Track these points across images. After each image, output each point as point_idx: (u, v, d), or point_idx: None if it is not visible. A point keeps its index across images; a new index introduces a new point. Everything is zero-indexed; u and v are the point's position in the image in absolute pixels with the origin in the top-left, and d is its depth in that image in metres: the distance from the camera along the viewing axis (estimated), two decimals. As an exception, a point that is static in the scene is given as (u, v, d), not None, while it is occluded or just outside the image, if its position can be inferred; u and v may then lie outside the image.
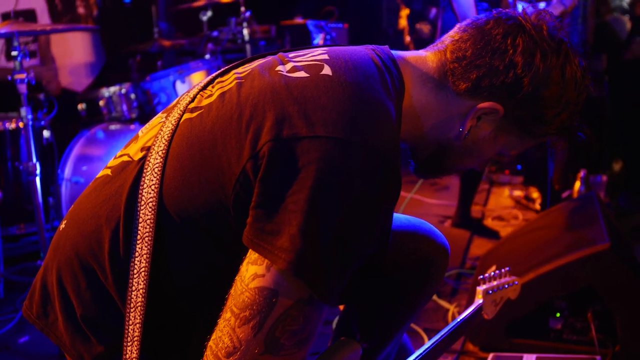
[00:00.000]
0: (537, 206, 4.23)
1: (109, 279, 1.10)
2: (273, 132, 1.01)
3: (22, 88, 2.72)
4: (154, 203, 1.08)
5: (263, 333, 0.97)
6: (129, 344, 1.07)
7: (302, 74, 1.11)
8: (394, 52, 1.24)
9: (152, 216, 1.07)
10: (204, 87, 1.22)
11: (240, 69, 1.22)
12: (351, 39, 5.62)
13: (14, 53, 2.70)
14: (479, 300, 1.69)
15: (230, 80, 1.18)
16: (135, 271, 1.07)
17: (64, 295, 1.15)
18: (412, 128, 1.21)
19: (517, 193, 4.69)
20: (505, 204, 4.50)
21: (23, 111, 2.75)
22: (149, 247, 1.06)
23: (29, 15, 3.79)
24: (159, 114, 1.27)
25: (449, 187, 4.99)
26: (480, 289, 1.70)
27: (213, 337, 1.01)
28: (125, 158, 1.20)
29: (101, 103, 3.68)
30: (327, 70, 1.10)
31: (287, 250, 0.96)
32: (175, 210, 1.08)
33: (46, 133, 3.28)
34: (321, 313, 1.02)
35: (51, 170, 3.30)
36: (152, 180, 1.10)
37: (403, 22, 6.18)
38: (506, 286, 1.77)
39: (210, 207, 1.05)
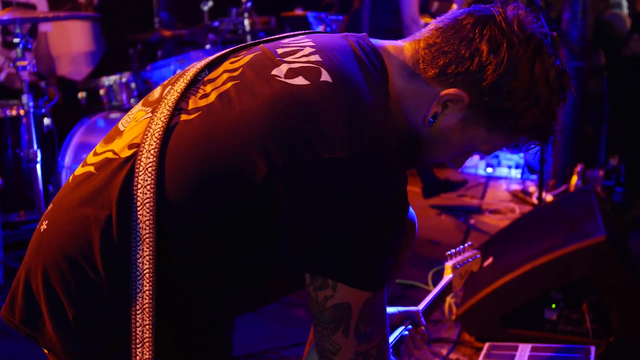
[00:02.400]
0: (534, 200, 4.25)
1: (102, 280, 1.09)
2: (293, 153, 1.06)
3: (24, 75, 2.72)
4: (151, 204, 1.07)
5: (352, 333, 1.13)
6: (138, 346, 1.06)
7: (301, 80, 1.12)
8: (373, 41, 1.25)
9: (151, 217, 1.06)
10: (193, 84, 1.20)
11: (228, 66, 1.20)
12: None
13: (16, 40, 2.71)
14: (449, 275, 1.80)
15: (223, 80, 1.17)
16: (138, 273, 1.06)
17: (54, 298, 1.12)
18: (396, 119, 1.22)
19: (515, 187, 4.72)
20: (502, 198, 4.53)
21: (24, 98, 2.76)
22: (150, 248, 1.06)
23: (29, 8, 3.77)
24: (140, 107, 1.24)
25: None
26: (448, 264, 1.81)
27: (316, 342, 1.17)
28: (109, 155, 1.17)
29: (101, 92, 3.69)
30: (325, 76, 1.12)
31: (340, 269, 1.09)
32: (179, 212, 1.08)
33: (47, 121, 3.29)
34: (384, 296, 1.16)
35: (51, 158, 3.31)
36: (147, 181, 1.08)
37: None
38: (470, 260, 1.87)
39: (223, 213, 1.08)
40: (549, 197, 3.98)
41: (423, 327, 1.62)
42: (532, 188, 4.53)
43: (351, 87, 1.11)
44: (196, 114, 1.13)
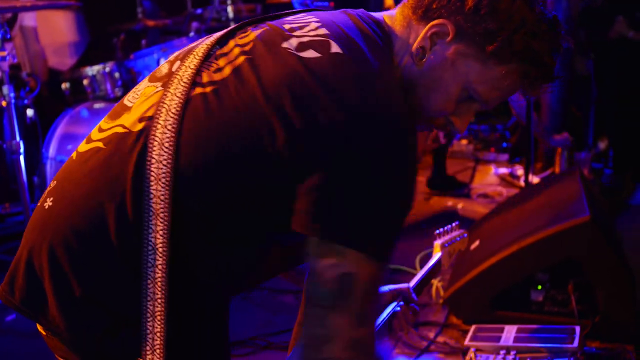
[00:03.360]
0: (522, 183, 4.26)
1: (114, 256, 1.08)
2: (311, 118, 1.06)
3: (4, 66, 2.69)
4: (167, 178, 1.06)
5: (353, 313, 1.06)
6: (149, 319, 1.06)
7: (312, 53, 1.13)
8: (372, 14, 1.27)
9: (166, 192, 1.05)
10: (206, 59, 1.19)
11: (238, 41, 1.20)
12: (337, 17, 5.57)
13: (-5, 30, 2.68)
14: (438, 253, 1.84)
15: (235, 53, 1.17)
16: (150, 247, 1.06)
17: (60, 275, 1.10)
18: None
19: (503, 170, 4.73)
20: (490, 182, 4.54)
21: (5, 89, 2.73)
22: (164, 222, 1.05)
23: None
24: (148, 83, 1.22)
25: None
26: (438, 242, 1.85)
27: (305, 331, 1.12)
28: (119, 129, 1.15)
29: (85, 82, 3.66)
30: (336, 48, 1.13)
31: (350, 231, 1.05)
32: (196, 186, 1.07)
33: (30, 112, 3.25)
34: (385, 276, 1.13)
35: (35, 149, 3.28)
36: (163, 155, 1.07)
37: (389, 2, 6.16)
38: (457, 239, 1.91)
39: (243, 184, 1.08)
40: (536, 180, 3.99)
41: (414, 303, 1.65)
42: (520, 171, 4.54)
43: (359, 55, 1.13)
44: (211, 87, 1.13)
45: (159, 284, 1.06)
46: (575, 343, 2.00)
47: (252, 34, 1.21)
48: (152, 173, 1.07)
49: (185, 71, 1.17)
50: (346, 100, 1.08)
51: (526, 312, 2.38)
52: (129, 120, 1.15)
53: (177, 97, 1.13)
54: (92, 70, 3.66)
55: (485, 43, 1.17)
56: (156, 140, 1.09)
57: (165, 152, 1.07)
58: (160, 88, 1.17)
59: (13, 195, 3.13)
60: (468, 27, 1.17)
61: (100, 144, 1.16)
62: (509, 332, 2.15)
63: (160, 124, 1.10)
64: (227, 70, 1.14)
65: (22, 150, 2.77)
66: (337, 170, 1.06)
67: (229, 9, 3.99)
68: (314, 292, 1.08)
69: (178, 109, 1.11)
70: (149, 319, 1.07)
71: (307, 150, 1.07)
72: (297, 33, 1.18)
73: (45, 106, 3.73)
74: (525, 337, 2.10)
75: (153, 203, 1.06)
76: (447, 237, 1.89)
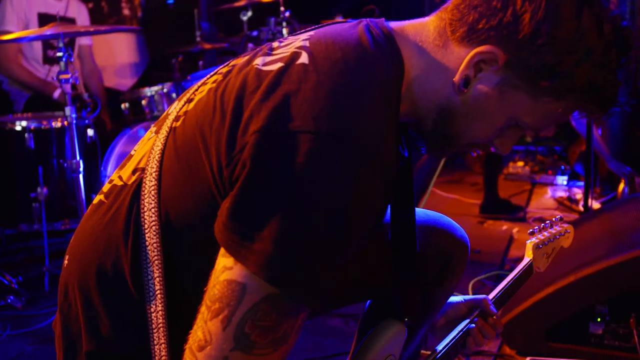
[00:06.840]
0: (581, 208, 4.13)
1: (130, 302, 1.09)
2: (248, 130, 0.98)
3: (67, 88, 2.79)
4: (157, 226, 1.06)
5: (232, 327, 0.94)
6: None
7: (277, 65, 1.04)
8: (392, 23, 1.15)
9: (157, 239, 1.05)
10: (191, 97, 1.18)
11: (224, 69, 1.16)
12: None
13: (59, 54, 2.79)
14: (527, 258, 1.63)
15: (211, 81, 1.14)
16: (150, 294, 1.05)
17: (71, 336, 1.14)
18: (413, 102, 1.11)
19: (560, 194, 4.59)
20: (547, 205, 4.41)
21: (67, 110, 2.83)
22: (159, 270, 1.05)
23: (69, 22, 3.87)
24: (151, 128, 1.22)
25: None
26: (530, 243, 1.63)
27: (191, 331, 0.99)
28: (118, 182, 1.17)
29: (143, 102, 3.75)
30: (303, 59, 1.03)
31: (257, 252, 0.93)
32: (182, 230, 1.06)
33: (90, 131, 3.36)
34: (299, 312, 0.97)
35: (94, 167, 3.38)
36: (151, 204, 1.07)
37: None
38: (557, 236, 1.70)
39: (204, 212, 1.03)
40: (596, 205, 3.85)
41: (494, 317, 1.48)
42: (578, 195, 4.40)
43: (330, 69, 1.00)
44: (181, 120, 1.12)
45: (162, 329, 1.04)
46: (638, 381, 1.90)
47: (242, 59, 1.15)
48: (145, 222, 1.07)
49: (173, 112, 1.16)
50: (286, 111, 0.96)
51: (584, 346, 2.28)
52: (126, 172, 1.17)
53: (161, 141, 1.12)
54: (151, 90, 3.76)
55: (539, 78, 1.02)
56: (146, 189, 1.09)
57: (152, 200, 1.07)
58: (154, 134, 1.17)
59: (72, 212, 3.23)
60: (521, 57, 1.01)
61: (102, 197, 1.18)
62: (566, 367, 2.07)
63: (148, 172, 1.10)
64: (196, 99, 1.12)
65: (81, 169, 2.86)
66: (254, 176, 0.95)
67: (284, 30, 4.03)
68: (209, 289, 0.98)
69: (160, 152, 1.10)
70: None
71: (244, 163, 0.96)
72: (278, 50, 1.10)
73: (105, 125, 3.85)
74: (584, 373, 2.02)
75: (149, 251, 1.05)
76: (544, 236, 1.66)
